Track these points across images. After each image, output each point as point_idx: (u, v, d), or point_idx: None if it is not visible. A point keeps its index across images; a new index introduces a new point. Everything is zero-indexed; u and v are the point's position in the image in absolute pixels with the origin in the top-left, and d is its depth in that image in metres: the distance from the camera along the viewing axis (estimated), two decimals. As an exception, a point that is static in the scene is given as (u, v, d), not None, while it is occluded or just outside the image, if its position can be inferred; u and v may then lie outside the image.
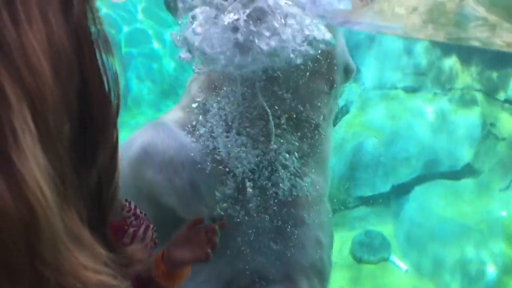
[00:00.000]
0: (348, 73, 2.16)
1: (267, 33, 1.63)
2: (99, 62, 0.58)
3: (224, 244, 1.94)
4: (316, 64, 1.88)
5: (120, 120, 0.67)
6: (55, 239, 0.50)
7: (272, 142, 1.94)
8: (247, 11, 1.62)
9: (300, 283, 2.10)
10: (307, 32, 1.68)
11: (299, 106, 1.97)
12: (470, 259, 4.96)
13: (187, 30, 1.71)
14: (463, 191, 5.41)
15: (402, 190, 5.69)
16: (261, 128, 1.94)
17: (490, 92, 5.71)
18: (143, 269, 0.76)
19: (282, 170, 2.00)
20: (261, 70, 1.81)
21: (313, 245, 2.13)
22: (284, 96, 1.92)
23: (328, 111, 2.11)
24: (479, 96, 5.71)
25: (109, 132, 0.61)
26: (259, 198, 1.99)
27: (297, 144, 2.00)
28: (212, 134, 1.96)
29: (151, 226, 1.44)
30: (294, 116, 1.97)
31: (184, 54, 1.79)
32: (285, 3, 1.62)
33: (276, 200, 2.01)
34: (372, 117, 5.97)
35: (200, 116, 1.99)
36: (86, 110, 0.57)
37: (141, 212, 1.47)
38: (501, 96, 5.67)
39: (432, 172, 5.62)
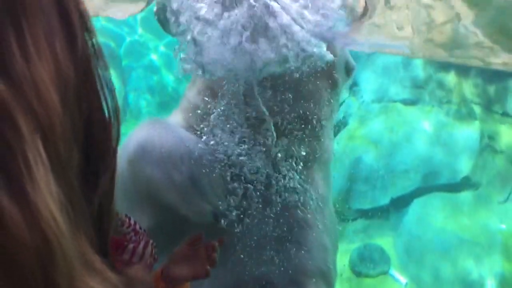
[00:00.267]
0: (349, 71, 2.15)
1: (268, 48, 1.65)
2: (100, 90, 0.60)
3: (228, 250, 1.91)
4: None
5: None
6: (69, 266, 0.51)
7: (273, 144, 1.92)
8: (249, 30, 1.63)
9: (307, 287, 2.06)
10: (307, 48, 1.69)
11: (301, 106, 1.95)
12: (470, 272, 4.94)
13: (190, 46, 1.72)
14: (462, 203, 5.40)
15: (401, 203, 5.68)
16: (260, 129, 1.92)
17: (488, 105, 5.73)
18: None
19: (285, 172, 1.98)
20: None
21: (319, 248, 2.09)
22: (285, 96, 1.90)
23: (330, 110, 2.09)
24: (477, 109, 5.74)
25: (110, 158, 0.63)
26: (261, 201, 1.96)
27: (299, 145, 1.98)
28: (212, 137, 1.93)
29: (151, 241, 1.45)
30: (296, 116, 1.96)
31: (185, 66, 1.80)
32: (286, 19, 1.63)
33: (279, 203, 1.99)
34: (370, 129, 5.99)
35: (198, 119, 1.97)
36: (90, 137, 0.58)
37: (140, 228, 1.47)
38: (499, 109, 5.70)
39: (431, 184, 5.62)
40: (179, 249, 1.58)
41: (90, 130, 0.58)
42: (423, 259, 5.21)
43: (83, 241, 0.54)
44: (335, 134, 3.18)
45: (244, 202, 1.96)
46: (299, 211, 2.03)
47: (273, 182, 1.97)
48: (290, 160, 1.99)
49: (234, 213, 1.95)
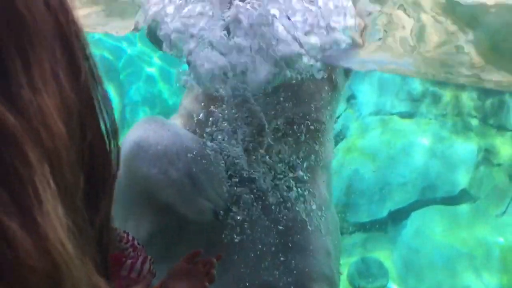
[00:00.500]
0: (347, 72, 2.15)
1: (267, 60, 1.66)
2: (100, 116, 0.61)
3: (231, 255, 1.88)
4: None
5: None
6: None
7: (269, 147, 1.89)
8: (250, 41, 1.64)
9: None
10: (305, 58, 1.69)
11: (301, 109, 1.94)
12: (468, 286, 4.93)
13: (192, 63, 1.74)
14: (460, 216, 5.40)
15: (399, 216, 5.68)
16: (260, 133, 1.91)
17: (484, 119, 5.76)
18: None
19: (286, 176, 1.95)
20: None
21: (322, 252, 2.07)
22: (285, 99, 1.89)
23: (330, 113, 2.09)
24: (473, 123, 5.76)
25: (110, 182, 0.64)
26: (262, 207, 1.94)
27: (299, 148, 1.96)
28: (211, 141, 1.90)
29: (149, 257, 1.45)
30: (296, 119, 1.94)
31: (185, 78, 1.81)
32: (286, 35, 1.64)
33: (280, 208, 1.96)
34: (368, 142, 6.00)
35: (195, 124, 1.95)
36: (91, 162, 0.59)
37: (138, 244, 1.47)
38: (495, 122, 5.73)
39: (429, 197, 5.62)
40: (178, 265, 1.58)
41: (91, 155, 0.59)
42: (421, 273, 5.19)
43: (89, 264, 0.55)
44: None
45: (246, 207, 1.94)
46: (301, 215, 2.00)
47: (275, 186, 1.95)
48: (291, 163, 1.97)
49: (235, 219, 1.93)
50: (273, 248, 1.98)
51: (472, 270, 4.98)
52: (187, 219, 1.88)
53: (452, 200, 5.55)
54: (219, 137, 1.90)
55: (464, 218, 5.38)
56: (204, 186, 1.85)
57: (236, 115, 1.88)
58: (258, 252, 1.97)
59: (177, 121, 2.07)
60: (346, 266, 5.40)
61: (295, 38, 1.62)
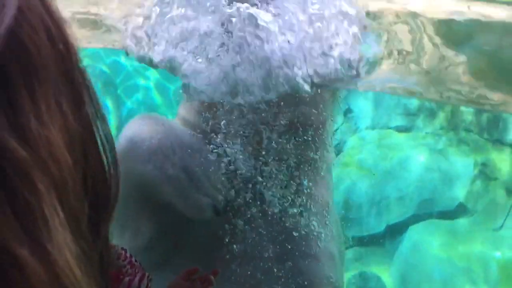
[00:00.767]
0: None
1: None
2: (100, 142, 0.63)
3: (232, 261, 1.86)
4: None
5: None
6: None
7: (269, 151, 1.87)
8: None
9: None
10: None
11: (300, 113, 1.93)
12: (466, 301, 4.91)
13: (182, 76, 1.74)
14: (457, 231, 5.40)
15: (396, 230, 5.67)
16: (258, 138, 1.89)
17: (481, 133, 5.79)
18: None
19: (287, 180, 1.92)
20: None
21: (326, 256, 2.05)
22: (284, 102, 1.88)
23: (329, 118, 2.08)
24: (470, 137, 5.79)
25: (110, 208, 0.66)
26: (263, 212, 1.91)
27: (299, 150, 1.94)
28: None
29: (147, 274, 1.44)
30: (296, 123, 1.93)
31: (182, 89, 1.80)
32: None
33: (281, 213, 1.94)
34: (365, 156, 6.01)
35: (192, 129, 1.93)
36: (94, 188, 0.61)
37: (136, 261, 1.47)
38: (492, 136, 5.75)
39: (426, 211, 5.62)
40: (175, 281, 1.57)
41: (93, 181, 0.61)
42: (419, 287, 5.17)
43: (93, 286, 0.57)
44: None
45: (246, 212, 1.91)
46: (303, 220, 1.98)
47: (276, 191, 1.92)
48: (291, 167, 1.94)
49: (236, 224, 1.89)
50: (275, 254, 1.95)
51: (470, 285, 4.96)
52: (187, 218, 1.84)
53: (449, 214, 5.55)
54: (217, 141, 1.88)
55: (461, 232, 5.37)
56: (202, 181, 1.81)
57: (234, 122, 1.86)
58: (260, 258, 1.93)
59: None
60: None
61: (291, 63, 1.63)
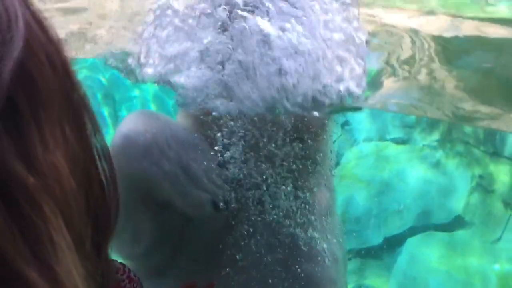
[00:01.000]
0: None
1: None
2: (99, 163, 0.65)
3: (234, 265, 1.83)
4: None
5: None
6: None
7: (269, 157, 1.85)
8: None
9: None
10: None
11: (300, 118, 1.92)
12: (465, 314, 4.89)
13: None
14: (455, 243, 5.39)
15: (394, 243, 5.66)
16: (257, 145, 1.86)
17: (478, 145, 5.81)
18: None
19: (289, 183, 1.90)
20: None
21: (329, 257, 2.02)
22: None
23: (331, 118, 2.07)
24: (467, 149, 5.81)
25: (111, 228, 0.68)
26: (262, 215, 1.89)
27: (299, 153, 1.92)
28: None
29: (145, 289, 1.44)
30: (295, 125, 1.91)
31: (177, 97, 1.81)
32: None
33: (286, 216, 1.92)
34: (362, 169, 6.02)
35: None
36: (95, 209, 0.63)
37: (134, 275, 1.46)
38: (489, 148, 5.77)
39: (424, 224, 5.62)
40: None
41: (94, 203, 0.63)
42: (418, 301, 5.15)
43: None
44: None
45: (247, 215, 1.89)
46: (307, 223, 1.96)
47: (275, 193, 1.90)
48: (291, 167, 1.93)
49: (237, 229, 1.87)
50: (277, 260, 1.93)
51: (469, 298, 4.95)
52: (186, 218, 1.81)
53: (447, 226, 5.55)
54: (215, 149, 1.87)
55: (459, 244, 5.37)
56: (198, 175, 1.76)
57: (231, 129, 1.85)
58: (263, 263, 1.91)
59: None
60: (342, 294, 5.33)
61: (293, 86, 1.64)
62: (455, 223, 5.54)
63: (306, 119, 1.89)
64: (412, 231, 5.62)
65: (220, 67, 1.67)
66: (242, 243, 1.92)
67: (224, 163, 1.84)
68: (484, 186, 5.64)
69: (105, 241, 0.66)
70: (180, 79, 1.72)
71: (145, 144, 1.69)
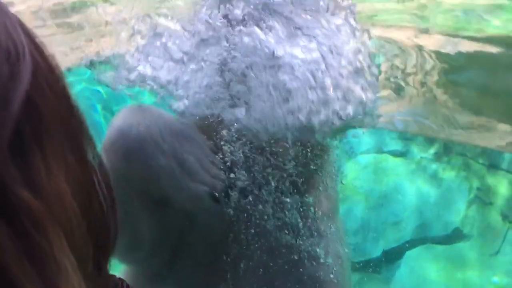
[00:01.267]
0: None
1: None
2: (97, 183, 0.66)
3: (236, 268, 1.82)
4: None
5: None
6: None
7: (270, 163, 1.85)
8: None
9: None
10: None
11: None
12: (464, 328, 4.86)
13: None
14: (454, 256, 5.38)
15: (393, 255, 5.64)
16: (259, 151, 1.85)
17: (476, 157, 5.83)
18: None
19: (294, 186, 1.90)
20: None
21: (334, 259, 2.02)
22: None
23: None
24: (465, 161, 5.82)
25: (110, 247, 0.70)
26: (263, 219, 1.87)
27: (301, 156, 1.92)
28: None
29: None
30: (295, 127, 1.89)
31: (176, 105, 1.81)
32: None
33: (293, 216, 1.91)
34: (360, 181, 6.02)
35: None
36: (96, 230, 0.65)
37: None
38: (487, 161, 5.79)
39: (422, 236, 5.61)
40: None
41: (95, 223, 0.65)
42: (417, 314, 5.13)
43: None
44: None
45: (249, 217, 1.88)
46: (314, 223, 1.95)
47: (278, 194, 1.89)
48: (294, 171, 1.92)
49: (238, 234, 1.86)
50: (279, 265, 1.93)
51: (468, 311, 4.93)
52: (185, 211, 1.77)
53: (445, 239, 5.54)
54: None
55: (458, 257, 5.36)
56: (194, 167, 1.70)
57: (232, 136, 1.82)
58: (267, 264, 1.90)
59: None
60: (340, 307, 5.30)
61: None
62: (454, 236, 5.53)
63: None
64: (411, 244, 5.61)
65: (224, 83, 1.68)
66: (244, 247, 1.90)
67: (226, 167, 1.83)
68: (482, 198, 5.64)
69: (105, 258, 0.69)
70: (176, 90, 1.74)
71: (138, 137, 1.62)
